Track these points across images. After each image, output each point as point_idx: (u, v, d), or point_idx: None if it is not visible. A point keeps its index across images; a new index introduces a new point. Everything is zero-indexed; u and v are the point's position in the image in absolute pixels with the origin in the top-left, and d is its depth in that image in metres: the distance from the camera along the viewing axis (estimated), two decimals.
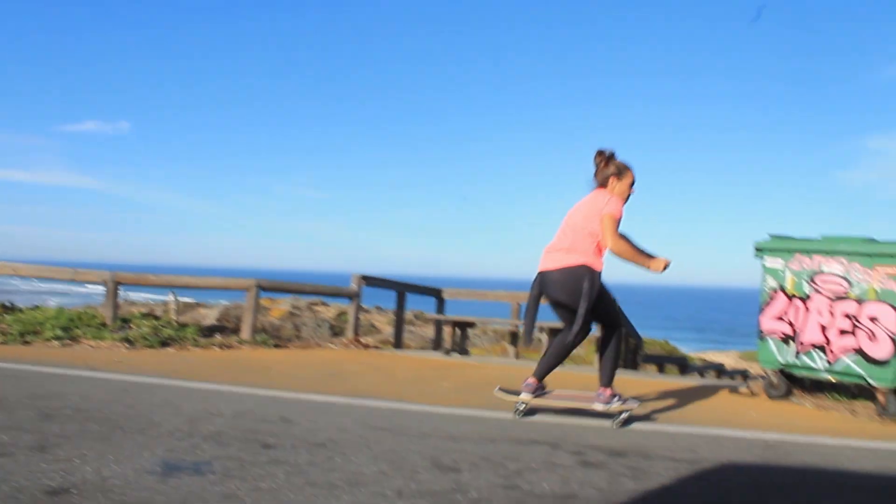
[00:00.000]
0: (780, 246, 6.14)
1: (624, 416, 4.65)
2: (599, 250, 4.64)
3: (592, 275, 4.58)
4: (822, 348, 5.85)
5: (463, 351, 9.53)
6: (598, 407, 4.62)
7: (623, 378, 7.38)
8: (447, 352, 9.32)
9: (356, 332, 9.88)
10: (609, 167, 4.79)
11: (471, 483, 3.06)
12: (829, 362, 5.82)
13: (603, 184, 4.80)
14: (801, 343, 5.95)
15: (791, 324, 6.02)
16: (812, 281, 5.93)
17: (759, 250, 6.27)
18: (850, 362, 5.71)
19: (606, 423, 4.65)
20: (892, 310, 5.54)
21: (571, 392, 5.08)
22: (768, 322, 6.15)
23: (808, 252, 5.99)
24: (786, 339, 6.04)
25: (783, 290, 6.10)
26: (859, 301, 5.70)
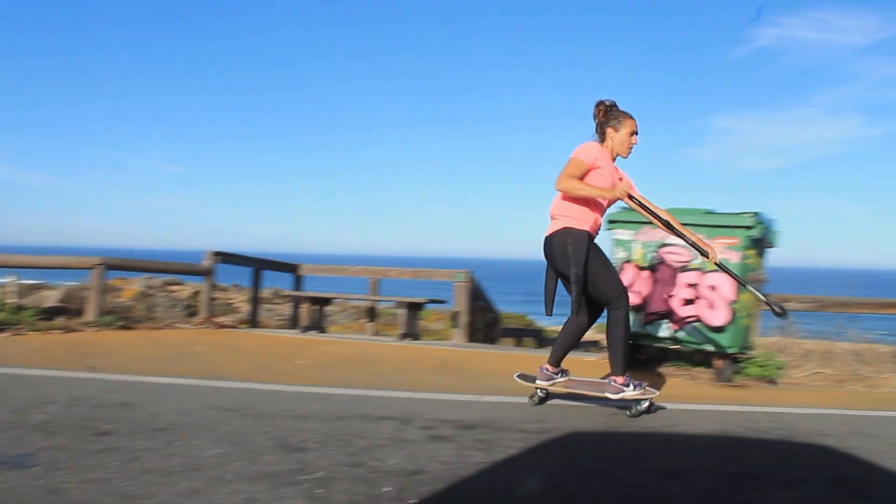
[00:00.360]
0: (629, 218, 6.30)
1: (644, 405, 4.27)
2: (582, 209, 4.29)
3: (573, 237, 4.24)
4: (667, 317, 6.06)
5: (320, 328, 9.34)
6: (611, 396, 4.27)
7: (480, 352, 7.44)
8: (304, 329, 9.12)
9: (210, 312, 9.50)
10: (607, 118, 4.42)
11: (316, 462, 2.95)
12: (673, 331, 6.04)
13: (602, 136, 4.45)
14: (648, 313, 6.15)
15: (639, 294, 6.20)
16: (658, 252, 6.13)
17: (611, 223, 6.41)
18: (691, 330, 5.95)
19: (518, 400, 4.63)
20: (729, 279, 5.80)
21: (589, 379, 4.73)
22: None
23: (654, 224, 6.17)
24: (634, 310, 6.22)
25: (632, 261, 6.27)
26: (701, 271, 5.93)
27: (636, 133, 4.42)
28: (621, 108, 4.47)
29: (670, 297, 6.04)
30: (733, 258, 5.79)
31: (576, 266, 4.19)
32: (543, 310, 4.51)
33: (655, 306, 6.10)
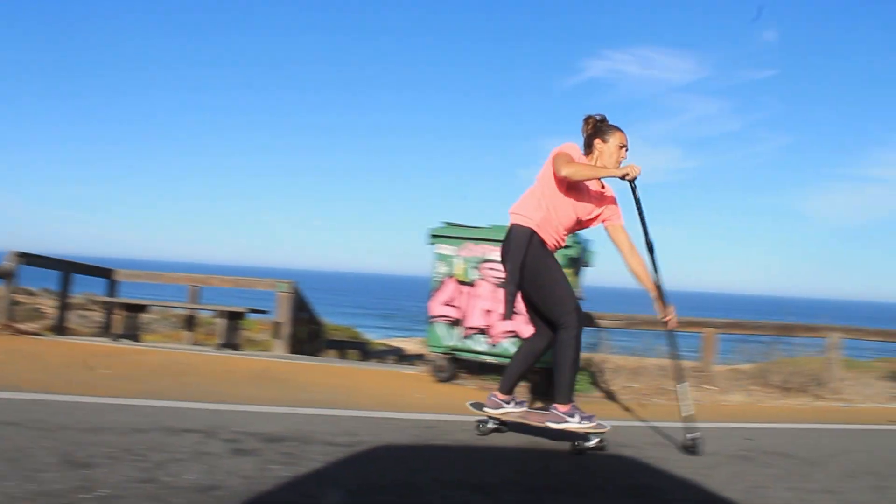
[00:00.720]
0: (452, 233, 6.39)
1: (592, 441, 3.90)
2: (545, 211, 3.96)
3: (516, 233, 3.95)
4: (485, 332, 6.18)
5: (134, 337, 8.85)
6: (552, 425, 3.90)
7: (300, 363, 7.29)
8: (116, 337, 8.61)
9: (10, 317, 8.78)
10: (595, 130, 4.15)
11: (103, 479, 2.74)
12: (491, 345, 6.16)
13: (588, 150, 4.17)
14: (467, 327, 6.24)
15: (459, 309, 6.28)
16: (479, 268, 6.24)
17: (434, 237, 6.47)
18: (508, 345, 6.09)
19: (332, 413, 4.48)
20: None
21: (542, 411, 4.28)
22: (437, 307, 6.37)
23: (476, 240, 6.29)
24: (453, 324, 6.30)
25: (453, 275, 6.35)
26: None
27: (626, 147, 4.11)
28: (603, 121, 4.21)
29: (489, 312, 6.16)
30: None
31: (511, 264, 3.91)
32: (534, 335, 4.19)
33: (474, 321, 6.21)
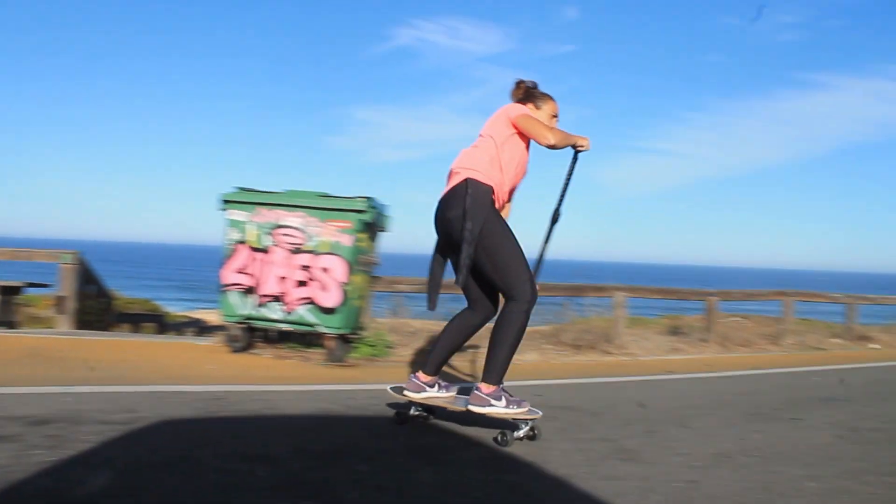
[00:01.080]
0: (245, 199, 6.16)
1: (522, 430, 3.48)
2: (499, 172, 3.55)
3: (474, 188, 3.46)
4: (280, 299, 6.03)
5: (8, 323, 7.95)
6: (474, 409, 3.43)
7: (83, 339, 6.82)
8: None
9: None
10: (527, 95, 3.81)
11: None
12: (286, 313, 6.03)
13: None
14: (262, 295, 6.07)
15: (253, 276, 6.09)
16: (272, 234, 6.07)
17: (225, 202, 6.22)
18: (304, 312, 5.99)
19: (110, 389, 4.14)
20: (341, 261, 5.93)
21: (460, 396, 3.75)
22: (230, 275, 6.14)
23: (270, 205, 6.10)
24: (247, 292, 6.10)
25: (246, 242, 6.14)
26: (314, 253, 5.98)
27: (557, 117, 3.83)
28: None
29: (284, 279, 6.01)
30: (346, 241, 5.93)
31: (472, 222, 3.39)
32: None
33: (269, 289, 6.04)
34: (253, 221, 6.11)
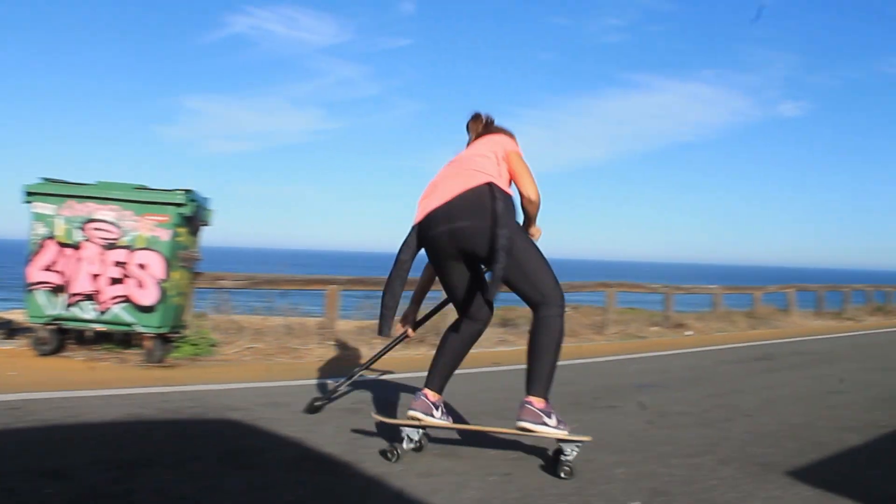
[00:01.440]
0: (52, 190, 5.74)
1: (572, 455, 3.08)
2: (506, 181, 3.27)
3: (502, 194, 3.14)
4: (93, 298, 5.66)
5: None
6: (530, 426, 3.01)
7: None
8: None
9: None
10: (487, 131, 3.47)
11: None
12: (100, 312, 5.67)
13: None
14: (72, 294, 5.67)
15: (62, 274, 5.68)
16: (84, 228, 5.68)
17: (30, 195, 5.76)
18: (119, 311, 5.65)
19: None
20: (159, 257, 5.64)
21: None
22: (37, 273, 5.70)
23: (81, 198, 5.71)
24: (56, 291, 5.69)
25: (54, 237, 5.71)
26: (131, 248, 5.66)
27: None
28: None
29: (97, 276, 5.65)
30: (164, 236, 5.65)
31: (507, 228, 3.05)
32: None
33: (81, 286, 5.65)
34: (61, 215, 5.68)
